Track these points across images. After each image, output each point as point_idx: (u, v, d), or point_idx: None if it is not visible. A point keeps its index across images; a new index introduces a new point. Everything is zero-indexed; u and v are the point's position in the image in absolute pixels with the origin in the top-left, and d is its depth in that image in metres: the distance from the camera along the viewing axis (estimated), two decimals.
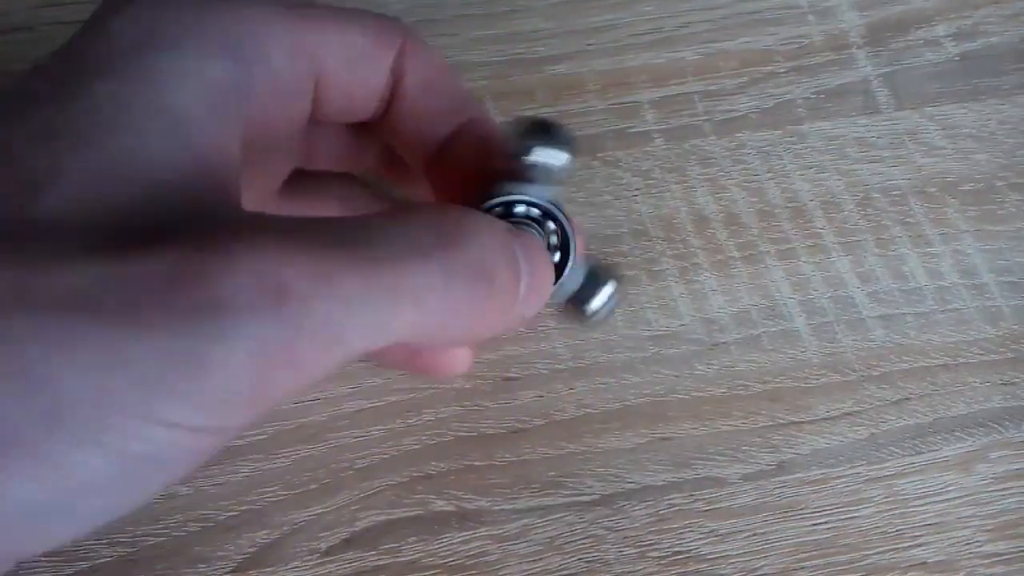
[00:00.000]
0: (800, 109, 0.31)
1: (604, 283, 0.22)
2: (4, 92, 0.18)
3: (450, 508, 0.25)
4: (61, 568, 0.24)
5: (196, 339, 0.15)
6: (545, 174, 0.21)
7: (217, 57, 0.18)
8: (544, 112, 0.30)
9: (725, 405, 0.27)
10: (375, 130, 0.24)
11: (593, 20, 0.32)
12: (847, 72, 0.31)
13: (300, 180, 0.24)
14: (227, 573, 0.24)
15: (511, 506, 0.26)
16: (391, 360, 0.26)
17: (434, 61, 0.22)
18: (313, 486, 0.25)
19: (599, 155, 0.30)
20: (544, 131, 0.21)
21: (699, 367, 0.27)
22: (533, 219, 0.21)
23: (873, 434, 0.27)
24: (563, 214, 0.21)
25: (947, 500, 0.26)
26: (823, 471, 0.26)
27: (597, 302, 0.22)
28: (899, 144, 0.30)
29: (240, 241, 0.16)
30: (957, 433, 0.27)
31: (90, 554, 0.24)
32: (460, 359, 0.25)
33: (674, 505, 0.26)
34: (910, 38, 0.32)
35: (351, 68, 0.21)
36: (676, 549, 0.25)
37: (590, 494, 0.26)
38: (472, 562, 0.25)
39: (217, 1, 0.19)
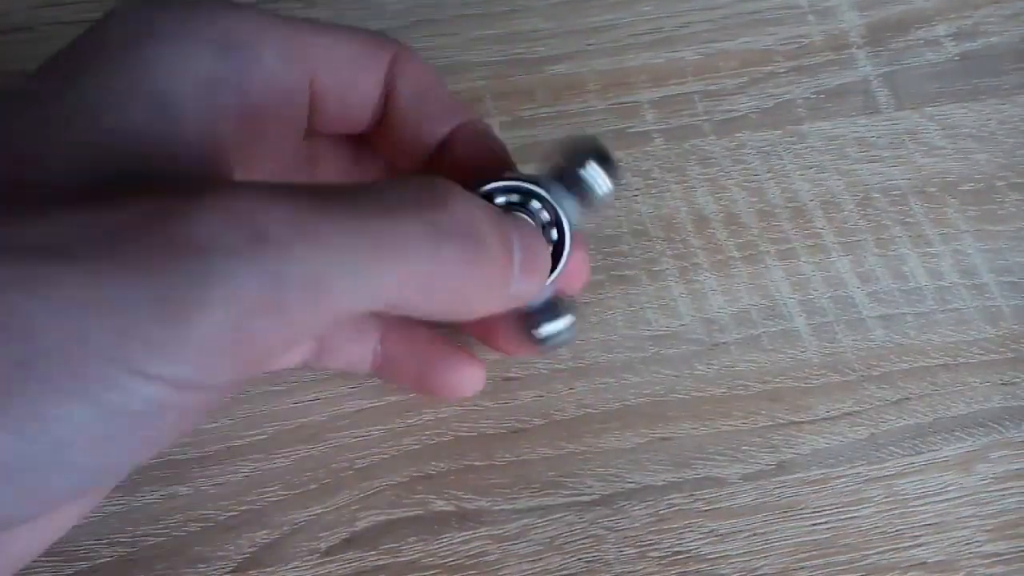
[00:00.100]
0: (800, 109, 0.31)
1: (563, 313, 0.22)
2: (4, 92, 0.19)
3: (450, 508, 0.25)
4: (61, 568, 0.24)
5: (172, 280, 0.15)
6: (585, 192, 0.21)
7: (208, 50, 0.18)
8: (544, 112, 0.30)
9: (725, 405, 0.27)
10: (373, 144, 0.24)
11: (593, 20, 0.32)
12: (847, 72, 0.31)
13: None
14: (227, 573, 0.24)
15: (511, 506, 0.26)
16: (400, 377, 0.26)
17: (425, 71, 0.22)
18: (313, 486, 0.25)
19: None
20: (604, 157, 0.21)
21: (699, 367, 0.27)
22: (529, 212, 0.21)
23: (873, 434, 0.27)
24: (562, 209, 0.21)
25: (947, 500, 0.26)
26: (823, 471, 0.26)
27: (548, 329, 0.22)
28: (899, 144, 0.30)
29: (217, 189, 0.16)
30: (957, 433, 0.27)
31: (90, 554, 0.24)
32: (471, 379, 0.25)
33: (674, 505, 0.26)
34: (910, 38, 0.32)
35: (345, 75, 0.21)
36: (676, 549, 0.25)
37: (590, 494, 0.26)
38: (472, 562, 0.25)
39: (211, 4, 0.19)
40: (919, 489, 0.26)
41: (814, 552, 0.25)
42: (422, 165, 0.23)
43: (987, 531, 0.26)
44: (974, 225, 0.29)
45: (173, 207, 0.15)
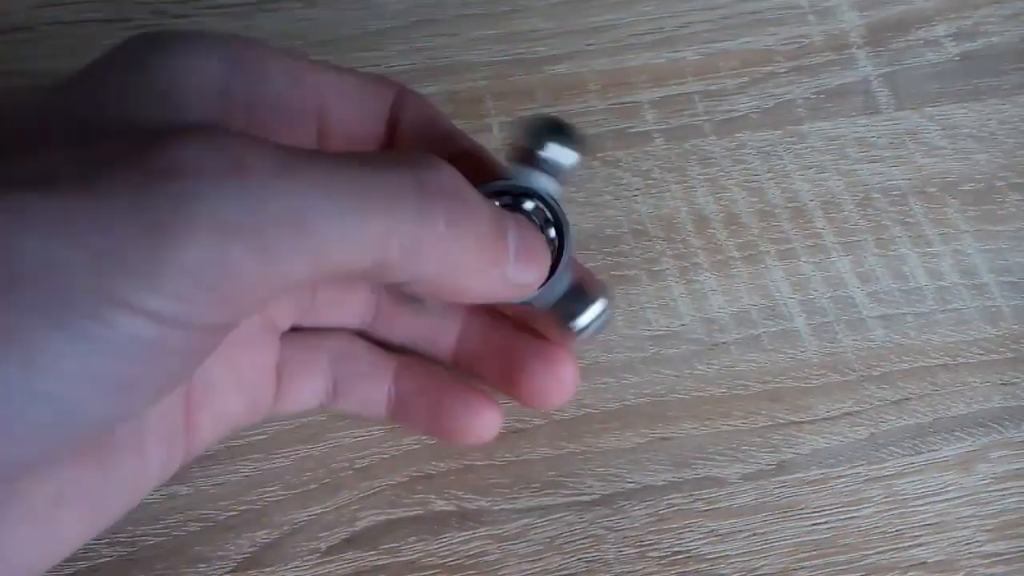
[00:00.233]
0: (800, 109, 0.31)
1: (594, 299, 0.22)
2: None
3: (450, 508, 0.25)
4: (61, 568, 0.24)
5: (151, 203, 0.15)
6: (555, 170, 0.21)
7: (217, 65, 0.19)
8: (544, 111, 0.30)
9: (725, 405, 0.27)
10: None
11: (593, 20, 0.32)
12: (847, 72, 0.31)
13: None
14: (227, 573, 0.24)
15: (511, 506, 0.26)
16: (415, 420, 0.25)
17: (428, 106, 0.23)
18: (313, 486, 0.25)
19: (599, 155, 0.30)
20: (559, 130, 0.21)
21: (699, 367, 0.27)
22: (525, 214, 0.21)
23: (873, 434, 0.27)
24: (558, 206, 0.21)
25: (947, 500, 0.26)
26: (823, 471, 0.26)
27: (585, 319, 0.22)
28: (899, 144, 0.30)
29: (201, 126, 0.16)
30: (957, 433, 0.27)
31: (90, 554, 0.24)
32: (488, 423, 0.24)
33: (674, 505, 0.26)
34: (910, 38, 0.32)
35: (352, 105, 0.21)
36: (676, 549, 0.25)
37: (590, 494, 0.26)
38: (472, 562, 0.25)
39: (220, 33, 0.20)
40: (919, 489, 0.26)
41: (814, 552, 0.25)
42: None
43: (987, 531, 0.26)
44: (974, 225, 0.29)
45: (155, 138, 0.15)
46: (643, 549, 0.25)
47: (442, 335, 0.25)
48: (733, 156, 0.30)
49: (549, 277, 0.21)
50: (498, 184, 0.21)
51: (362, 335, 0.25)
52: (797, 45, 0.32)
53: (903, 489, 0.26)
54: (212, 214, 0.15)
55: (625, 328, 0.28)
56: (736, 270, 0.28)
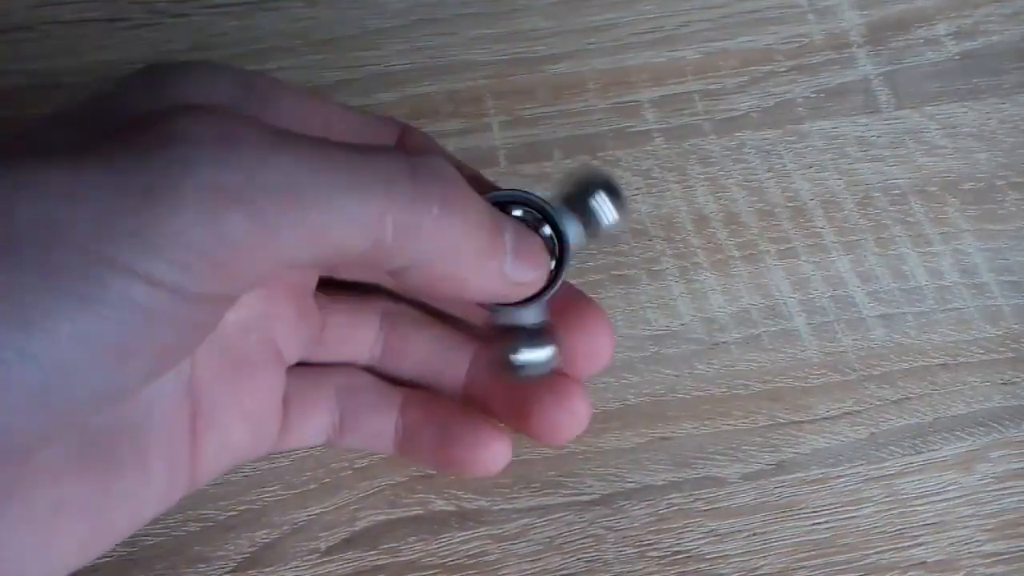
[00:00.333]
0: (800, 108, 0.31)
1: (548, 344, 0.21)
2: None
3: (450, 508, 0.25)
4: None
5: (148, 167, 0.15)
6: (591, 220, 0.21)
7: (229, 84, 0.19)
8: (544, 111, 0.30)
9: (725, 404, 0.27)
10: None
11: (593, 19, 0.32)
12: (847, 71, 0.31)
13: (340, 292, 0.24)
14: (227, 573, 0.24)
15: (511, 506, 0.26)
16: (422, 452, 0.24)
17: (431, 143, 0.23)
18: (313, 486, 0.25)
19: (599, 154, 0.30)
20: (614, 190, 0.21)
21: (699, 366, 0.27)
22: (527, 223, 0.21)
23: (873, 433, 0.27)
24: (563, 229, 0.21)
25: (947, 500, 0.26)
26: (823, 471, 0.26)
27: (526, 356, 0.21)
28: (899, 143, 0.30)
29: (195, 105, 0.16)
30: (957, 432, 0.27)
31: None
32: (497, 454, 0.23)
33: (674, 505, 0.26)
34: (910, 37, 0.32)
35: (360, 136, 0.22)
36: (676, 549, 0.25)
37: (590, 494, 0.26)
38: (472, 562, 0.25)
39: (234, 65, 0.20)
40: (919, 489, 0.26)
41: (814, 552, 0.25)
42: None
43: (987, 531, 0.26)
44: (974, 224, 0.29)
45: (149, 115, 0.16)
46: (643, 549, 0.25)
47: (451, 369, 0.24)
48: (733, 155, 0.30)
49: (537, 297, 0.21)
50: (503, 193, 0.21)
51: (370, 371, 0.25)
52: (797, 44, 0.32)
53: (903, 489, 0.26)
54: (205, 179, 0.15)
55: (625, 328, 0.28)
56: (736, 269, 0.28)
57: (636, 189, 0.29)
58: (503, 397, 0.23)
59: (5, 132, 0.18)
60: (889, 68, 0.31)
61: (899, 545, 0.25)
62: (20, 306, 0.14)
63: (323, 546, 0.25)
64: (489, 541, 0.25)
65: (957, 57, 0.32)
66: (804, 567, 0.25)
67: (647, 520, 0.26)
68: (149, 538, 0.24)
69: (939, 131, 0.31)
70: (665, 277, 0.28)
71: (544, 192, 0.21)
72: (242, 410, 0.22)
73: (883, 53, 0.32)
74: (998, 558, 0.25)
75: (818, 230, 0.29)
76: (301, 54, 0.30)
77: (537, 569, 0.25)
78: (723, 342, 0.28)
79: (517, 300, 0.21)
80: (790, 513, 0.26)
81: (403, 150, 0.22)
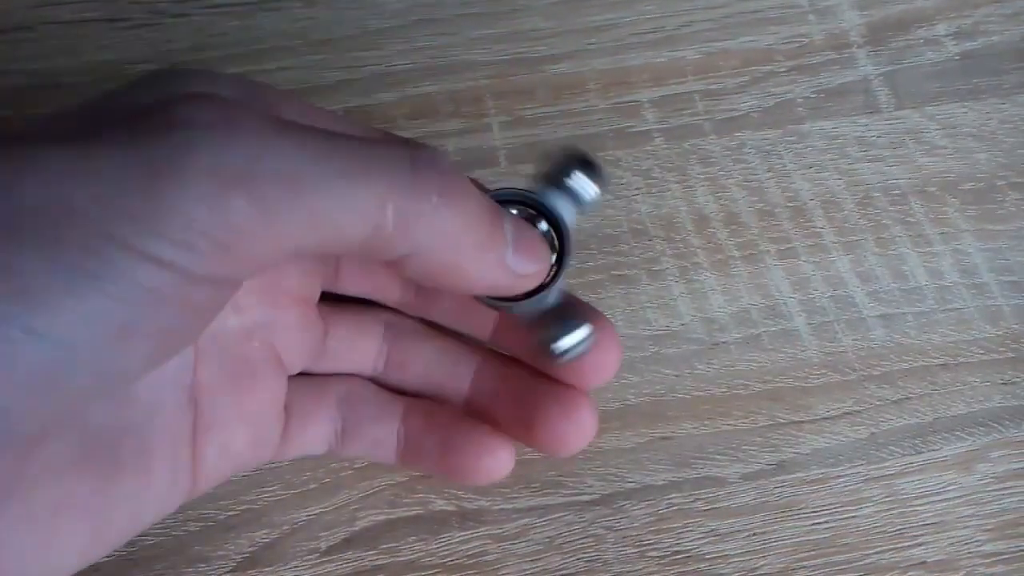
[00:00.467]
0: (800, 108, 0.31)
1: (580, 323, 0.21)
2: None
3: (450, 508, 0.25)
4: None
5: (154, 150, 0.15)
6: (576, 200, 0.22)
7: (231, 86, 0.19)
8: (544, 111, 0.30)
9: (725, 404, 0.27)
10: None
11: (594, 19, 0.32)
12: (848, 71, 0.31)
13: (343, 304, 0.24)
14: (227, 572, 0.24)
15: (511, 506, 0.26)
16: (423, 460, 0.24)
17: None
18: (313, 486, 0.25)
19: (599, 154, 0.30)
20: (588, 164, 0.22)
21: (699, 366, 0.27)
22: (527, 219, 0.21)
23: (873, 433, 0.27)
24: (562, 220, 0.21)
25: (947, 500, 0.26)
26: (823, 471, 0.26)
27: (567, 341, 0.21)
28: (899, 143, 0.30)
29: (197, 93, 0.17)
30: (957, 432, 0.27)
31: None
32: (499, 461, 0.23)
33: (674, 505, 0.26)
34: (910, 37, 0.32)
35: None
36: (676, 548, 0.25)
37: (590, 493, 0.26)
38: (471, 562, 0.25)
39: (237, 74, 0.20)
40: (919, 489, 0.26)
41: (814, 552, 0.25)
42: None
43: (987, 531, 0.26)
44: (974, 224, 0.29)
45: (154, 103, 0.16)
46: (643, 549, 0.25)
47: (454, 381, 0.24)
48: (733, 155, 0.30)
49: (547, 286, 0.21)
50: (499, 191, 0.21)
51: (373, 382, 0.25)
52: (797, 44, 0.32)
53: (903, 489, 0.26)
54: (209, 161, 0.15)
55: (625, 328, 0.28)
56: (736, 269, 0.28)
57: (636, 189, 0.29)
58: (508, 409, 0.23)
59: (6, 130, 0.18)
60: (889, 68, 0.31)
61: (899, 545, 0.25)
62: (26, 283, 0.14)
63: (323, 546, 0.25)
64: (489, 541, 0.25)
65: (957, 57, 0.32)
66: (804, 567, 0.25)
67: (647, 520, 0.26)
68: (149, 538, 0.24)
69: (939, 131, 0.31)
70: (665, 277, 0.28)
71: (526, 180, 0.22)
72: (243, 416, 0.22)
73: (883, 53, 0.32)
74: (998, 558, 0.25)
75: (818, 230, 0.29)
76: (301, 54, 0.30)
77: (537, 569, 0.25)
78: (723, 342, 0.28)
79: (520, 293, 0.21)
80: (790, 513, 0.26)
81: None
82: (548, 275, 0.21)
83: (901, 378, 0.27)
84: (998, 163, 0.30)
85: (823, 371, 0.27)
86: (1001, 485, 0.26)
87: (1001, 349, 0.28)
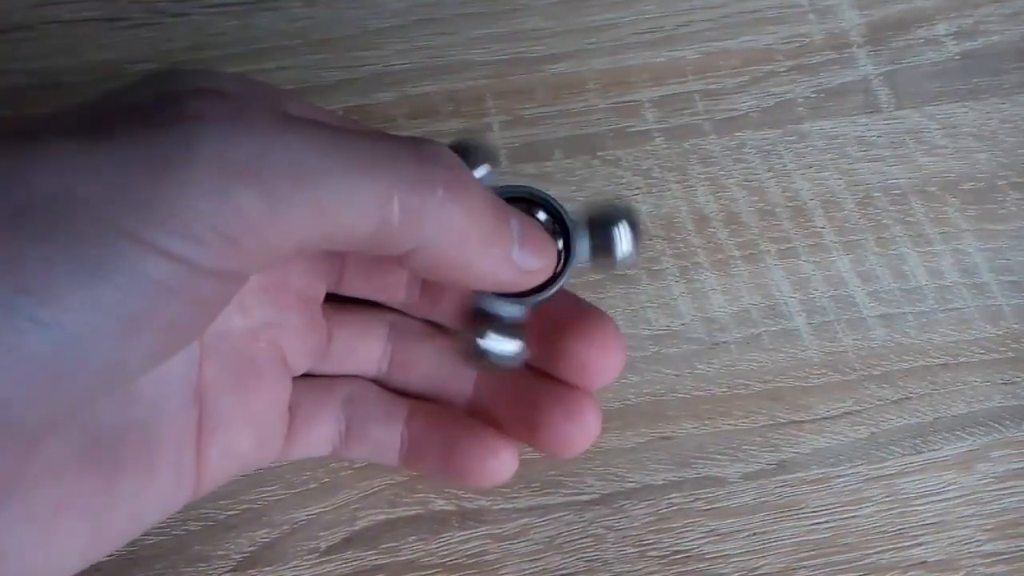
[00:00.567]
0: (801, 108, 0.31)
1: (518, 337, 0.21)
2: None
3: (450, 507, 0.25)
4: None
5: (161, 141, 0.15)
6: (607, 247, 0.21)
7: (234, 85, 0.20)
8: (544, 111, 0.30)
9: (725, 404, 0.27)
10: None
11: (593, 19, 0.32)
12: (848, 71, 0.31)
13: (348, 305, 0.24)
14: (227, 572, 0.24)
15: (511, 505, 0.26)
16: (427, 462, 0.24)
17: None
18: (313, 485, 0.25)
19: (599, 154, 0.30)
20: (635, 225, 0.21)
21: (699, 366, 0.27)
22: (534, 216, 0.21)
23: (873, 433, 0.27)
24: (565, 213, 0.21)
25: (947, 499, 0.26)
26: (823, 470, 0.26)
27: (492, 344, 0.21)
28: (900, 143, 0.30)
29: (202, 87, 0.17)
30: (957, 432, 0.27)
31: None
32: (502, 463, 0.23)
33: (674, 504, 0.26)
34: (910, 37, 0.32)
35: None
36: (676, 548, 0.25)
37: (590, 493, 0.26)
38: (471, 561, 0.25)
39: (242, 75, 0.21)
40: (919, 488, 0.26)
41: (814, 552, 0.25)
42: None
43: (987, 530, 0.26)
44: (975, 224, 0.29)
45: (160, 96, 0.16)
46: (643, 548, 0.25)
47: (458, 383, 0.24)
48: (733, 155, 0.30)
49: (554, 281, 0.21)
50: (512, 187, 0.21)
51: (377, 384, 0.25)
52: (797, 44, 0.32)
53: (903, 488, 0.26)
54: (216, 154, 0.15)
55: (625, 327, 0.28)
56: (736, 269, 0.28)
57: (636, 189, 0.29)
58: (511, 410, 0.23)
59: (12, 124, 0.18)
60: (889, 68, 0.31)
61: (899, 545, 0.25)
62: (34, 274, 0.14)
63: (323, 546, 0.25)
64: (489, 541, 0.25)
65: (957, 57, 0.32)
66: (804, 567, 0.25)
67: (647, 520, 0.26)
68: (149, 537, 0.24)
69: (939, 131, 0.31)
70: (665, 277, 0.28)
71: (551, 192, 0.22)
72: (248, 416, 0.22)
73: (883, 53, 0.32)
74: (998, 558, 0.25)
75: (818, 230, 0.29)
76: (300, 54, 0.30)
77: (537, 569, 0.25)
78: (723, 342, 0.28)
79: (525, 289, 0.21)
80: (790, 513, 0.26)
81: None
82: (553, 271, 0.21)
83: (901, 378, 0.27)
84: (998, 163, 0.30)
85: (823, 371, 0.27)
86: (1001, 485, 0.26)
87: (1001, 349, 0.28)
